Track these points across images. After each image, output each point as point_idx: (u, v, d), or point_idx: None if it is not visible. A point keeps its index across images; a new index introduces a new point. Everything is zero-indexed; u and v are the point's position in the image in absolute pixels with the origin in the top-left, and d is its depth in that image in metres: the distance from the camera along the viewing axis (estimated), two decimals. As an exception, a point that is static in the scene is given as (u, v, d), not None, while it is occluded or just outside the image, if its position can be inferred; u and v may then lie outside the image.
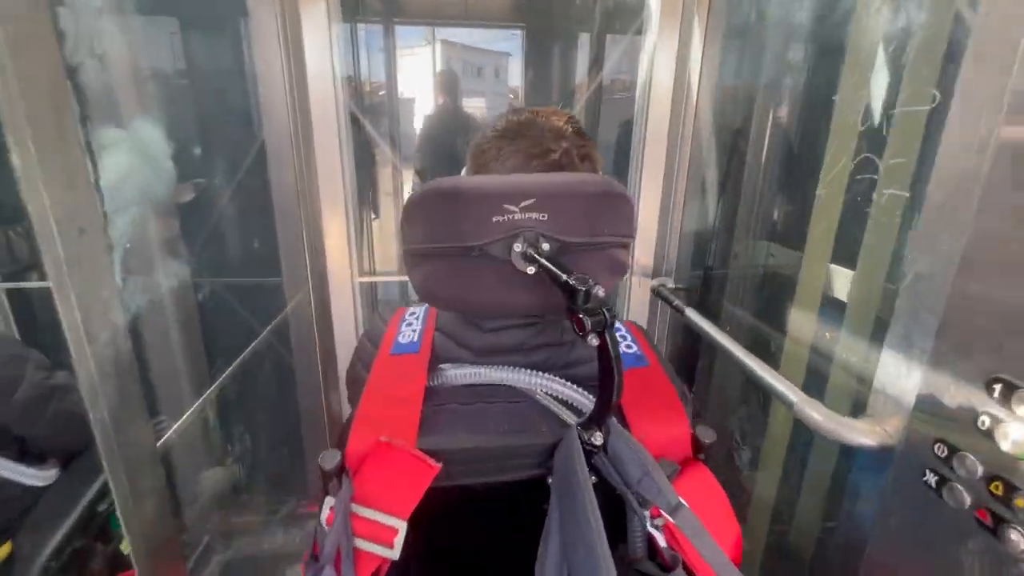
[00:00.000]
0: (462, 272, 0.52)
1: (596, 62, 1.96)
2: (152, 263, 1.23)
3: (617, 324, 0.66)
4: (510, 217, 0.50)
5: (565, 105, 1.99)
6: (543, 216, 0.50)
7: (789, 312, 1.03)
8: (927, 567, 0.63)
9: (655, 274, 1.44)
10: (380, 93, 2.06)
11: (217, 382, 1.10)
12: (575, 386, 0.54)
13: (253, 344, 1.23)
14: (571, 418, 0.52)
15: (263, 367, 1.49)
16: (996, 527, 0.53)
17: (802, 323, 1.02)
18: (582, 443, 0.48)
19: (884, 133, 0.72)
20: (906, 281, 0.68)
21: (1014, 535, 0.52)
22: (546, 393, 0.55)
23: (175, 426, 0.80)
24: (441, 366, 0.57)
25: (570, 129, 0.58)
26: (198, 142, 1.45)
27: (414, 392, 0.53)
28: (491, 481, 0.52)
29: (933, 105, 0.66)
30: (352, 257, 1.41)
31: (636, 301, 1.47)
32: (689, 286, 1.38)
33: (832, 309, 0.95)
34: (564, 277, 0.46)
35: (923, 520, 0.63)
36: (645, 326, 1.49)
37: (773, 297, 1.13)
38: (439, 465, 0.48)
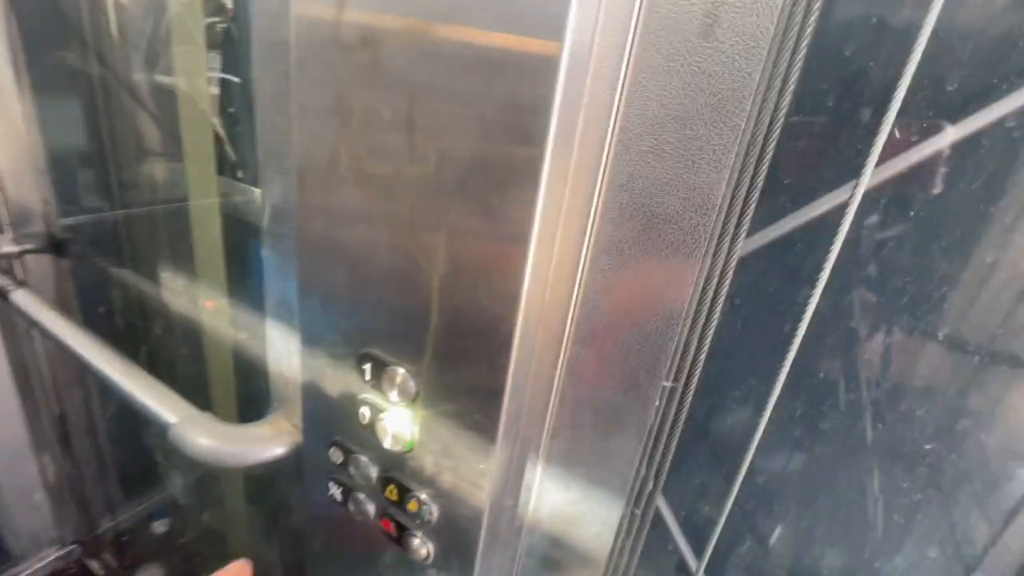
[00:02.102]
0: None
1: None
2: None
3: None
4: None
5: None
6: None
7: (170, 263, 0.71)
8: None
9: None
10: None
11: None
12: None
13: None
14: None
15: None
16: (400, 535, 0.41)
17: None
18: None
19: None
20: (265, 219, 0.45)
21: (415, 541, 0.40)
22: None
23: None
24: None
25: None
26: None
27: None
28: None
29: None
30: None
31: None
32: (42, 246, 0.84)
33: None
34: None
35: (341, 535, 0.48)
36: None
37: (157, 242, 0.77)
38: None
